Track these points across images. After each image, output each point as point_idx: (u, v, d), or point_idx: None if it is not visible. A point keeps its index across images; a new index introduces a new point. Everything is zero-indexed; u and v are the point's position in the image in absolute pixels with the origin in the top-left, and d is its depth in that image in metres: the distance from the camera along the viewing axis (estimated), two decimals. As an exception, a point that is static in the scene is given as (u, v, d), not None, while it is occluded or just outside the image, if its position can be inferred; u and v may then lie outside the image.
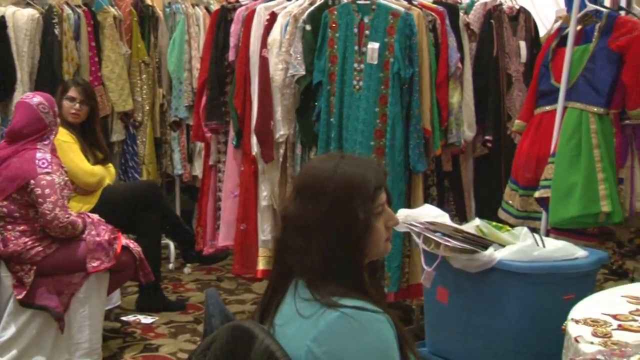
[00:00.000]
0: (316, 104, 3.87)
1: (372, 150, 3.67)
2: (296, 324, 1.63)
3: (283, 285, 1.71)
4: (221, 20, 4.21)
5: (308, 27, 3.85)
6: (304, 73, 3.84)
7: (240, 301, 4.63)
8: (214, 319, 1.87)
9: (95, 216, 3.71)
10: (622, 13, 3.42)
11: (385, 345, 1.60)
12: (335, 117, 3.79)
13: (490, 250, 2.78)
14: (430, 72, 3.71)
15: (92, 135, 4.31)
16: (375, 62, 3.65)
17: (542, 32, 4.58)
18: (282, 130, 3.93)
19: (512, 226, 3.15)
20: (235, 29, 4.12)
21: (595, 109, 3.29)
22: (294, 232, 1.67)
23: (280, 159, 3.98)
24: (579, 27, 3.42)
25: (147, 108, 5.19)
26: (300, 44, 3.85)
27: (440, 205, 3.94)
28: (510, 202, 3.65)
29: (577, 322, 2.20)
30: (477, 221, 2.99)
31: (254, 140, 4.00)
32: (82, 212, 3.76)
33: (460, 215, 4.11)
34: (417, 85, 3.63)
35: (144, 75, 5.17)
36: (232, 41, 4.12)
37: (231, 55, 4.14)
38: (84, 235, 3.51)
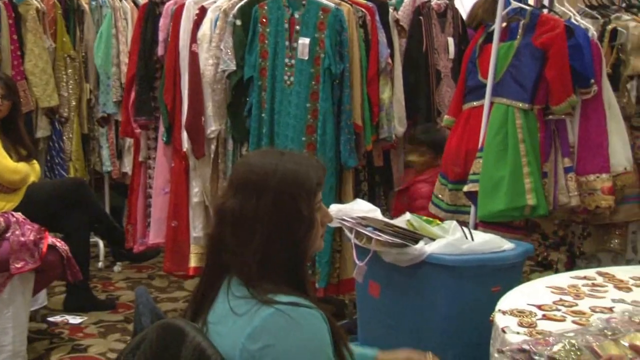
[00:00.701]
0: (247, 99, 3.85)
1: (304, 145, 3.67)
2: (230, 321, 1.62)
3: (216, 282, 1.70)
4: (149, 14, 4.15)
5: (238, 22, 3.83)
6: (234, 68, 3.82)
7: (172, 299, 4.58)
8: (144, 317, 1.85)
9: (20, 215, 3.60)
10: (545, 11, 3.50)
11: (319, 341, 1.61)
12: (266, 112, 3.78)
13: (420, 244, 2.82)
14: (360, 67, 3.74)
15: (14, 131, 4.19)
16: (306, 58, 3.66)
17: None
18: (213, 126, 3.90)
19: (442, 220, 3.20)
20: (164, 23, 4.06)
21: (521, 105, 3.36)
22: (232, 227, 1.66)
23: (212, 155, 3.96)
24: (504, 25, 3.49)
25: (74, 103, 5.07)
26: (231, 39, 3.82)
27: (372, 200, 3.98)
28: (440, 196, 3.71)
29: (504, 313, 2.25)
30: (407, 215, 3.02)
31: (184, 136, 3.96)
32: (5, 211, 3.65)
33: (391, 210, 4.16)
34: (348, 80, 3.66)
35: (70, 70, 5.05)
36: (161, 35, 4.07)
37: (160, 50, 4.09)
38: (7, 235, 3.41)
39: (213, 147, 3.95)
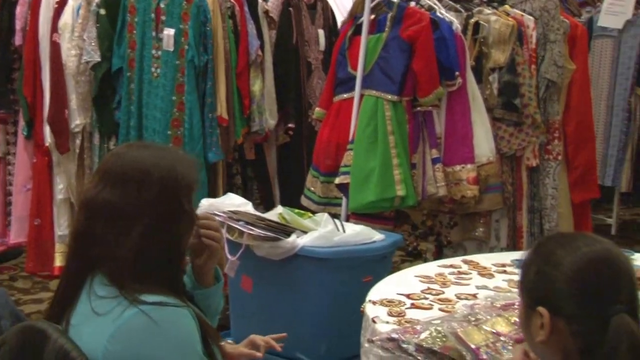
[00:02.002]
0: (115, 91, 3.73)
1: (170, 139, 3.61)
2: (92, 322, 1.56)
3: (79, 280, 1.62)
4: (5, 1, 3.93)
5: (102, 11, 3.70)
6: (99, 59, 3.69)
7: (37, 300, 4.38)
8: (3, 320, 1.79)
9: None
10: (412, 3, 3.57)
11: (187, 340, 1.58)
12: (134, 105, 3.68)
13: (292, 237, 2.82)
14: (229, 59, 3.69)
15: None
16: (172, 49, 3.58)
17: (340, 21, 4.69)
18: (77, 120, 3.78)
19: (314, 212, 3.21)
20: (21, 11, 3.87)
21: (390, 97, 3.41)
22: (106, 221, 1.59)
23: (77, 150, 3.82)
24: (372, 17, 3.53)
25: None
26: (95, 29, 3.69)
27: (245, 194, 3.95)
28: (312, 188, 3.72)
29: (374, 303, 2.27)
30: (279, 209, 3.02)
31: (47, 130, 3.82)
32: None
33: (266, 204, 4.13)
34: (212, 73, 3.61)
35: None
36: (19, 24, 3.88)
37: (18, 40, 3.90)
38: None
39: (78, 141, 3.82)
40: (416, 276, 2.57)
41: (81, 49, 3.70)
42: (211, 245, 1.78)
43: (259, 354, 2.04)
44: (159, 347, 1.53)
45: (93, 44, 3.68)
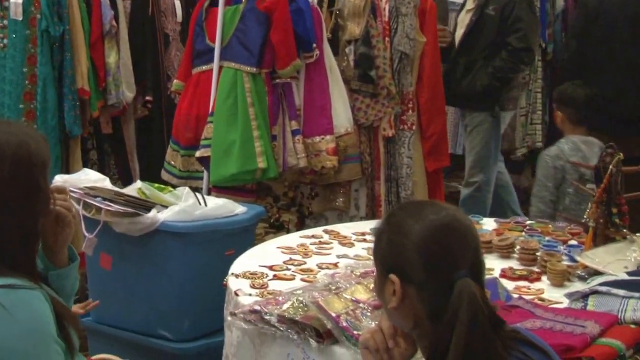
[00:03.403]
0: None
1: (22, 113, 3.45)
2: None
3: None
4: None
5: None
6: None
7: None
8: None
9: None
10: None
11: (40, 323, 1.53)
12: (-19, 78, 3.47)
13: (152, 213, 2.77)
14: (83, 30, 3.55)
15: None
16: (20, 18, 3.40)
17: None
18: None
19: (175, 187, 3.16)
20: None
21: (249, 69, 3.40)
22: None
23: None
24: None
25: None
26: None
27: (102, 169, 3.84)
28: (173, 162, 3.66)
29: (236, 276, 2.28)
30: (138, 184, 2.95)
31: None
32: None
33: (124, 179, 4.03)
34: (70, 44, 3.46)
35: None
36: None
37: None
38: None
39: None
40: (278, 247, 2.60)
41: None
42: (64, 217, 1.70)
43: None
44: (9, 332, 1.47)
45: None
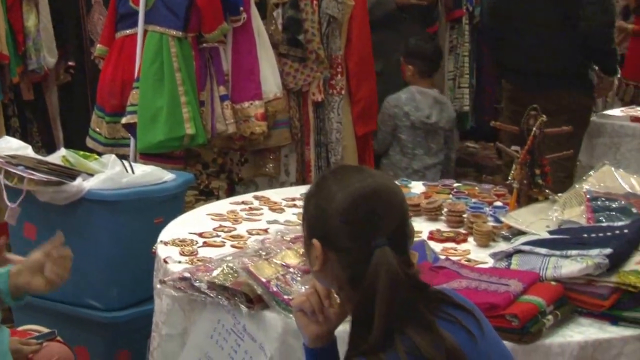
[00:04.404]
0: None
1: None
2: None
3: None
4: None
5: None
6: None
7: None
8: None
9: None
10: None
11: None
12: None
13: (78, 181, 2.71)
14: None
15: None
16: None
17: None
18: None
19: (101, 154, 3.10)
20: None
21: (174, 33, 3.33)
22: None
23: None
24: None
25: None
26: None
27: (25, 137, 3.74)
28: (98, 129, 3.58)
29: (165, 244, 2.26)
30: (62, 151, 2.89)
31: None
32: None
33: (48, 147, 3.94)
34: (-15, 6, 3.33)
35: None
36: None
37: None
38: None
39: None
40: (208, 214, 2.58)
41: None
42: None
43: None
44: None
45: None
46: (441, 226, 2.48)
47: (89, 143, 3.60)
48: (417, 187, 2.95)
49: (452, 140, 4.19)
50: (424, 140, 3.99)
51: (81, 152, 2.94)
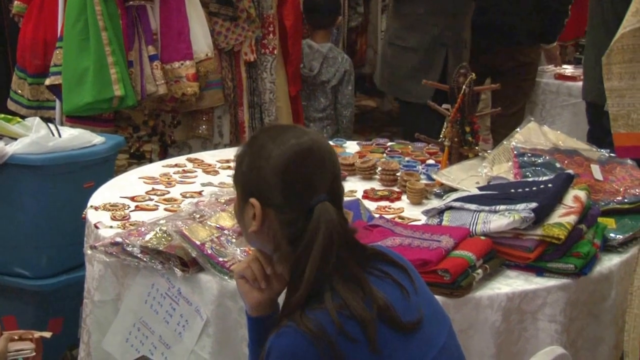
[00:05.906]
0: None
1: None
2: None
3: None
4: None
5: None
6: None
7: None
8: None
9: None
10: None
11: None
12: None
13: (0, 145, 2.61)
14: None
15: None
16: None
17: None
18: None
19: (24, 117, 2.99)
20: None
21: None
22: None
23: None
24: None
25: None
26: None
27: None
28: (20, 91, 3.46)
29: (96, 208, 2.21)
30: (-16, 116, 2.78)
31: None
32: None
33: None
34: None
35: None
36: None
37: None
38: None
39: None
40: (140, 178, 2.53)
41: None
42: None
43: None
44: None
45: None
46: (375, 185, 2.49)
47: (11, 105, 3.49)
48: (351, 147, 2.96)
49: (343, 96, 4.23)
50: (311, 93, 4.12)
51: (2, 115, 2.83)
